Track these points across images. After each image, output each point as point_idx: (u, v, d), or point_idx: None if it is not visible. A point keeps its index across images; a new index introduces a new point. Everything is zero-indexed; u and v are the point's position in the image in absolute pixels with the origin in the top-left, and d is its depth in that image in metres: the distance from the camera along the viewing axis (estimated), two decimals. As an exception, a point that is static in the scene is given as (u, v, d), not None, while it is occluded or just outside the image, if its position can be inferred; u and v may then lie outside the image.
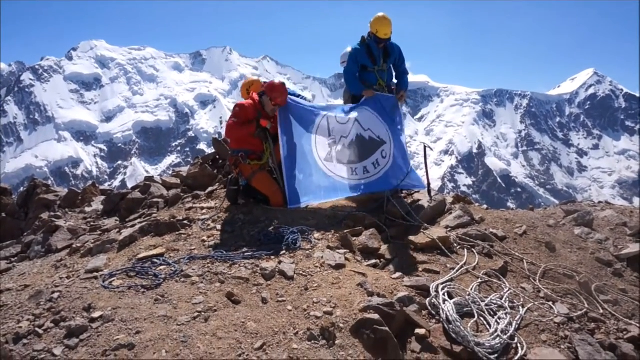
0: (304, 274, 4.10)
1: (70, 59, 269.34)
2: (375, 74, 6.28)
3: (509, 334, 3.52)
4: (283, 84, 5.76)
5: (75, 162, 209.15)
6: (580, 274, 4.69)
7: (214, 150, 7.89)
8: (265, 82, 5.92)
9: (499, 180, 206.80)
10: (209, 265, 4.22)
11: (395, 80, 6.58)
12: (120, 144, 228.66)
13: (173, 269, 4.11)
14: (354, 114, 6.10)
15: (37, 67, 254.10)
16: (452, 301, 3.76)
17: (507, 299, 4.02)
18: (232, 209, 5.67)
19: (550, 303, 4.12)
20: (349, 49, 6.51)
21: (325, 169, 5.95)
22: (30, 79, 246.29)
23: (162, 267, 4.17)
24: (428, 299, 3.85)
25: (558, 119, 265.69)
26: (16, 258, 6.40)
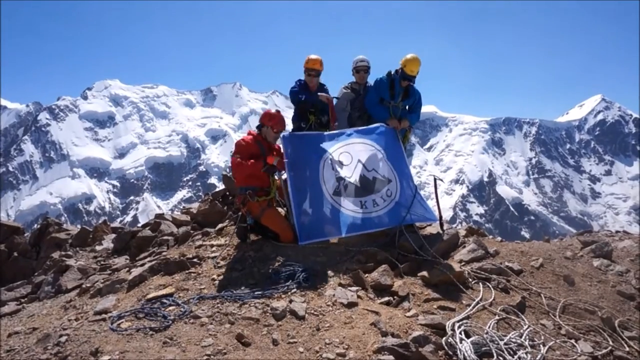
0: (315, 313, 4.00)
1: (85, 98, 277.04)
2: (390, 109, 6.34)
3: (531, 375, 3.36)
4: (279, 112, 5.93)
5: (89, 199, 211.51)
6: (602, 308, 4.52)
7: (224, 186, 7.91)
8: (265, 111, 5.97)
9: (512, 208, 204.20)
10: (219, 305, 4.14)
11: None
12: (132, 180, 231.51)
13: (182, 309, 4.05)
14: (358, 154, 6.09)
15: (53, 106, 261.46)
16: (469, 340, 3.63)
17: (527, 337, 3.86)
18: (242, 246, 5.62)
19: (573, 341, 3.96)
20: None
21: (334, 203, 5.89)
22: (47, 119, 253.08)
23: (171, 308, 4.11)
24: (444, 338, 3.72)
25: (568, 146, 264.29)
26: (26, 299, 6.38)
